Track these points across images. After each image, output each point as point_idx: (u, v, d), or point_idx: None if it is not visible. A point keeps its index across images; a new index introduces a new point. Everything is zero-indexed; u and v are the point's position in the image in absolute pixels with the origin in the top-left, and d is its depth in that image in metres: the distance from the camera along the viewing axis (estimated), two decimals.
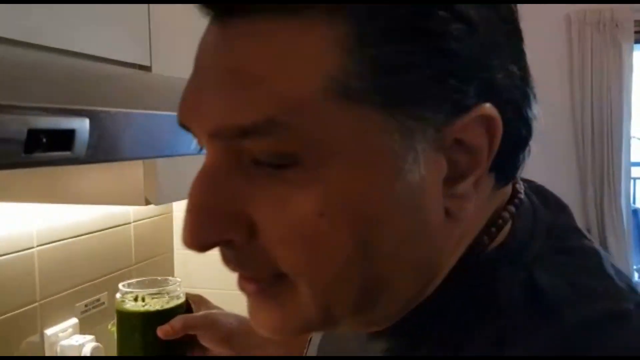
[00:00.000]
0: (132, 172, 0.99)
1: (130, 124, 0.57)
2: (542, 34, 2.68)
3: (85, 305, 1.38)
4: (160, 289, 0.90)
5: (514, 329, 0.37)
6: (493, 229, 0.40)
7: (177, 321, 0.83)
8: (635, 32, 2.81)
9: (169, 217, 1.76)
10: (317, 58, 0.34)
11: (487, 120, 0.36)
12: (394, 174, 0.35)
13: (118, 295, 0.92)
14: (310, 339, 0.62)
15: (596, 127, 2.83)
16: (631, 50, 2.81)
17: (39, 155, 0.47)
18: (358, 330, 0.45)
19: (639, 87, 3.20)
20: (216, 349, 0.83)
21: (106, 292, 1.45)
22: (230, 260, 0.38)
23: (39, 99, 0.47)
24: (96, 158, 0.53)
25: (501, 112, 0.36)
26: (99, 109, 0.53)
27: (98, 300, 1.42)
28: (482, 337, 0.37)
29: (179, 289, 0.91)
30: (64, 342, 1.29)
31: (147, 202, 0.99)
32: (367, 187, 0.35)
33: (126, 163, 0.99)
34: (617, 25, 2.76)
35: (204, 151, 0.39)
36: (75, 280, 1.35)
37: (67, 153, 0.50)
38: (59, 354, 1.28)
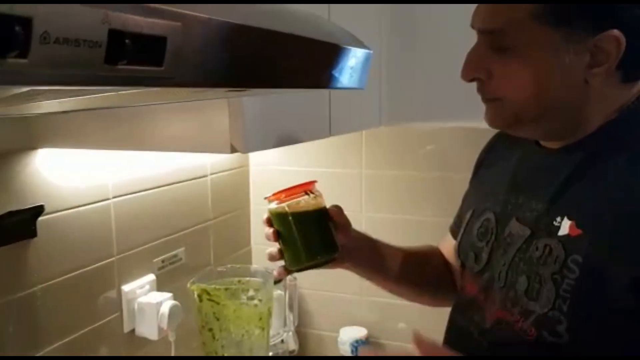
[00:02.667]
0: (216, 114, 0.87)
1: (237, 39, 0.44)
2: None
3: (162, 261, 1.31)
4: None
5: None
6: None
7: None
8: None
9: (245, 171, 1.66)
10: (521, 9, 0.74)
11: (615, 38, 0.71)
12: (559, 58, 0.73)
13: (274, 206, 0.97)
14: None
15: None
16: None
17: (124, 68, 0.35)
18: (538, 138, 0.85)
19: None
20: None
21: (183, 248, 1.37)
22: (479, 89, 0.81)
23: None
24: (192, 79, 0.41)
25: (630, 37, 0.71)
26: (197, 14, 0.40)
27: (175, 256, 1.35)
28: None
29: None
30: (142, 299, 1.22)
31: (233, 150, 0.87)
32: (542, 63, 0.75)
33: (209, 103, 0.87)
34: None
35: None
36: (151, 234, 1.28)
37: (157, 69, 0.38)
38: (136, 311, 1.22)
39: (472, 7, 1.40)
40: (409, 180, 1.55)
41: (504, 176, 0.89)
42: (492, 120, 0.81)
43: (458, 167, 1.43)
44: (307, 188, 0.98)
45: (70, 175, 1.07)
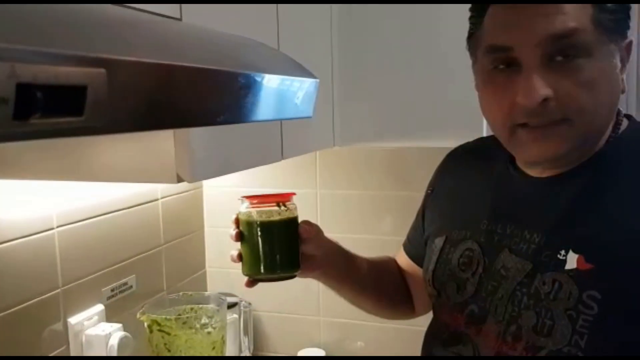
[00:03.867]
0: (161, 142, 0.85)
1: (163, 80, 0.42)
2: None
3: (112, 290, 1.26)
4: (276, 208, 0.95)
5: None
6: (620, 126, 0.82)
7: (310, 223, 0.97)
8: None
9: (198, 193, 1.63)
10: (584, 12, 0.72)
11: (631, 43, 0.77)
12: (613, 65, 0.74)
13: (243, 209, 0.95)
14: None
15: None
16: None
17: (37, 122, 0.33)
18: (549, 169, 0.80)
19: None
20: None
21: (134, 275, 1.33)
22: (540, 114, 0.72)
23: (34, 41, 0.33)
24: (117, 126, 0.39)
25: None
26: (120, 58, 0.38)
27: (125, 284, 1.31)
28: None
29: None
30: (90, 331, 1.17)
31: (179, 179, 0.85)
32: (606, 70, 0.74)
33: (154, 133, 0.84)
34: None
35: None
36: (99, 263, 1.23)
37: (76, 119, 0.36)
38: (84, 344, 1.17)
39: (429, 29, 1.42)
40: (364, 199, 1.55)
41: (480, 203, 0.87)
42: (558, 145, 0.74)
43: (411, 185, 1.43)
44: (281, 199, 0.95)
45: (10, 206, 1.02)
